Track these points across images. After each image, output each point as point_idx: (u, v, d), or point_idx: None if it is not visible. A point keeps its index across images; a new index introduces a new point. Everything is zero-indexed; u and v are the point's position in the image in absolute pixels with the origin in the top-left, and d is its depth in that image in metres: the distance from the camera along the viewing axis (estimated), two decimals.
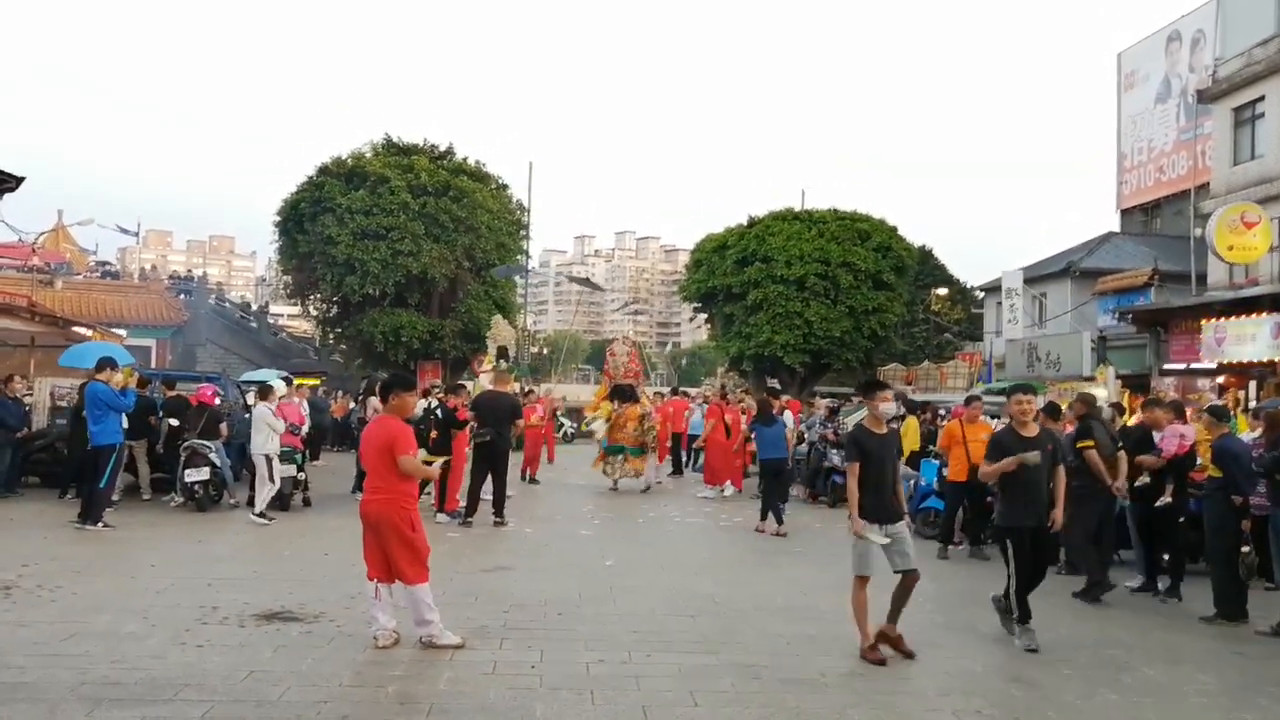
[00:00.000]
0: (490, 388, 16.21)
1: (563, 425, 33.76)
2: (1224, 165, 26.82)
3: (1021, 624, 8.30)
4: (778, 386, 28.41)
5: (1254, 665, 8.03)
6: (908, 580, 7.91)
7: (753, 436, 16.49)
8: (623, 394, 20.18)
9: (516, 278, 42.24)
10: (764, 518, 14.66)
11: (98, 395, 13.20)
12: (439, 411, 14.92)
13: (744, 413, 19.46)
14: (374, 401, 17.87)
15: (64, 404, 18.13)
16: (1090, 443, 10.76)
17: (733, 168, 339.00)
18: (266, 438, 14.29)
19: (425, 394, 16.16)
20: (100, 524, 12.78)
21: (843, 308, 36.63)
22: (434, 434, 14.47)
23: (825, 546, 13.51)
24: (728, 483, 19.12)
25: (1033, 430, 8.49)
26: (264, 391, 14.94)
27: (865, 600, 7.78)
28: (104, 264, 59.61)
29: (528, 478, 20.34)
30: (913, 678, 7.24)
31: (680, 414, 23.95)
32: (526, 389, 21.83)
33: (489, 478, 14.53)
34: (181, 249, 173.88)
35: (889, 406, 8.03)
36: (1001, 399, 18.78)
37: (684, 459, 24.22)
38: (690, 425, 23.47)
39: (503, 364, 22.01)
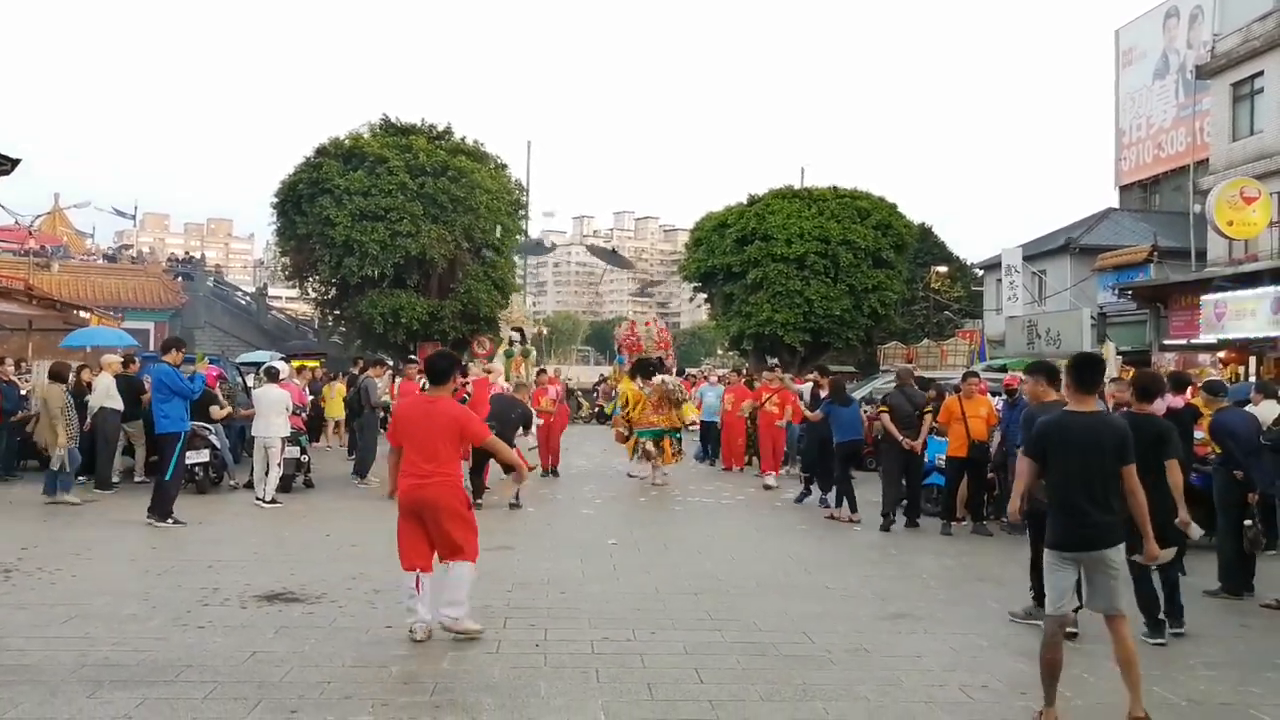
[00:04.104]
0: (508, 389, 16.04)
1: (581, 405, 32.85)
2: (1223, 141, 26.74)
3: None
4: (777, 364, 28.25)
5: (1260, 638, 8.01)
6: (1113, 629, 5.98)
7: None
8: (649, 369, 17.80)
9: (515, 257, 42.09)
10: (839, 504, 13.80)
11: (162, 379, 12.39)
12: None
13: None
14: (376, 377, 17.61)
15: None
16: (886, 409, 13.46)
17: (731, 146, 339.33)
18: (283, 421, 14.17)
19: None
20: (170, 520, 11.84)
21: (843, 286, 36.57)
22: None
23: (827, 524, 13.49)
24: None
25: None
26: (272, 374, 14.78)
27: (1059, 651, 5.91)
28: (124, 248, 59.48)
29: (547, 470, 17.93)
30: (918, 653, 7.20)
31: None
32: (539, 369, 20.73)
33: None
34: (179, 232, 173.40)
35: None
36: (1001, 375, 18.76)
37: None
38: (705, 410, 20.88)
39: (516, 345, 21.35)
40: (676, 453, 17.43)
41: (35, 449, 16.77)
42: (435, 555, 7.34)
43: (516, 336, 24.99)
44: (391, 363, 22.92)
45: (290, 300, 63.44)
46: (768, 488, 16.89)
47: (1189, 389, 11.89)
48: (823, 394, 15.26)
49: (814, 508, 14.63)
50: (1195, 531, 7.77)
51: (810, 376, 17.05)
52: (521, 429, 14.54)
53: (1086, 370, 6.28)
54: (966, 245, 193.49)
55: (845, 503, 13.74)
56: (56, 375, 14.30)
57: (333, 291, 38.08)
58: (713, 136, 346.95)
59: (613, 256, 41.25)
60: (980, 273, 45.62)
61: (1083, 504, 5.90)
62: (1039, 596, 8.08)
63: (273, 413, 14.09)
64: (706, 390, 21.42)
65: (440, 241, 34.54)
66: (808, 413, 15.48)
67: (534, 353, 20.70)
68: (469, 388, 15.95)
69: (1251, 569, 9.59)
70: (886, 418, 13.33)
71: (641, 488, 16.55)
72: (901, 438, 13.16)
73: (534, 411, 16.13)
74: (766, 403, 17.73)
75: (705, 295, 43.43)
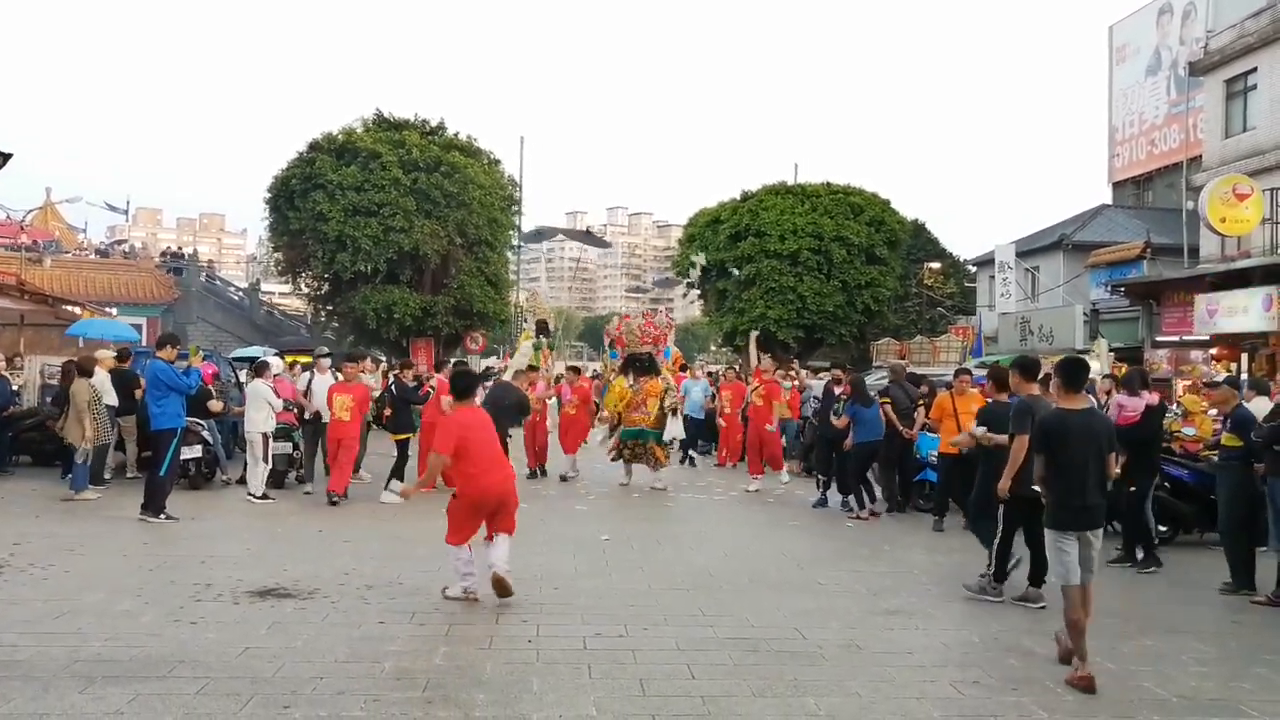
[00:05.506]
0: (506, 379, 15.94)
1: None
2: (1216, 138, 26.76)
3: None
4: (771, 356, 28.19)
5: (1252, 634, 8.05)
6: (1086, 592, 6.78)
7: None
8: (639, 365, 17.15)
9: (509, 253, 42.03)
10: (860, 505, 13.68)
11: (158, 374, 12.25)
12: (394, 388, 14.88)
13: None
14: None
15: (54, 382, 18.00)
16: (887, 400, 14.53)
17: (725, 142, 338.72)
18: (266, 415, 14.06)
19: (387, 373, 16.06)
20: (163, 516, 11.80)
21: (836, 282, 36.58)
22: (387, 411, 14.55)
23: (820, 520, 13.51)
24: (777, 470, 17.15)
25: None
26: (259, 368, 14.72)
27: (1080, 612, 6.61)
28: (116, 243, 59.40)
29: (533, 469, 17.30)
30: (910, 649, 7.22)
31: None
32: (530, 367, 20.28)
33: None
34: (171, 227, 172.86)
35: None
36: None
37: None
38: (688, 405, 19.94)
39: (543, 339, 21.07)
40: (665, 454, 16.65)
41: (28, 445, 16.76)
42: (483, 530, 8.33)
43: (543, 335, 24.40)
44: (365, 359, 22.09)
45: (283, 296, 63.24)
46: (749, 491, 16.16)
47: (1178, 387, 11.97)
48: (837, 390, 14.95)
49: (801, 504, 14.66)
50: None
51: (838, 375, 16.29)
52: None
53: (1073, 371, 7.13)
54: (960, 242, 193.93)
55: (865, 500, 13.71)
56: (83, 370, 14.09)
57: (325, 287, 37.93)
58: (706, 132, 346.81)
59: (587, 237, 41.16)
60: (973, 269, 45.66)
61: (1085, 489, 6.73)
62: (999, 574, 8.95)
63: (252, 407, 14.03)
64: (691, 386, 20.96)
65: (433, 237, 34.43)
66: (834, 419, 14.37)
67: (543, 344, 20.26)
68: (432, 383, 15.88)
69: (1252, 565, 9.60)
70: (889, 409, 14.40)
71: (634, 484, 16.45)
72: (901, 427, 14.32)
73: (529, 401, 15.95)
74: (753, 394, 16.78)
75: (699, 291, 43.41)
